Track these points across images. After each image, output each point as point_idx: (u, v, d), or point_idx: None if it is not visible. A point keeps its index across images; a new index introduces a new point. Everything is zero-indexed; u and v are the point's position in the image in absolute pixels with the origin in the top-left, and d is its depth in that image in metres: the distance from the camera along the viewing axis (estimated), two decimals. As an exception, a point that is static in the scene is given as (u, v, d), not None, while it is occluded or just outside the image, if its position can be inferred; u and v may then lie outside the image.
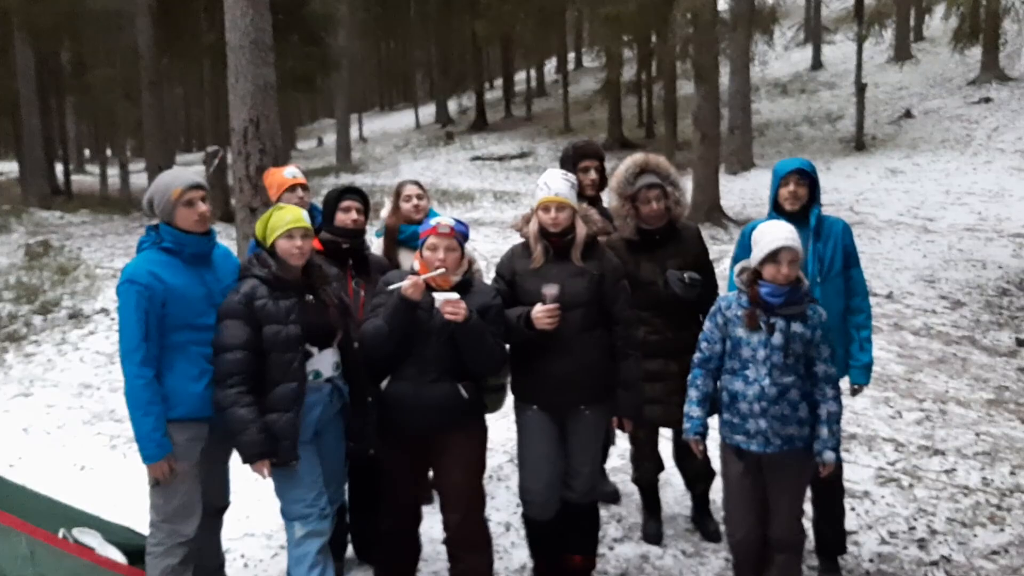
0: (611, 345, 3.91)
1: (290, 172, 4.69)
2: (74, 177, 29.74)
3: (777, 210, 4.14)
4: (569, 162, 4.86)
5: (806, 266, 4.02)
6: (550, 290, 3.73)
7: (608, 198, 4.58)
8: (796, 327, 3.57)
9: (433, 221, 3.74)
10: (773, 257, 3.52)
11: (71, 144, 35.52)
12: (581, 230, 3.87)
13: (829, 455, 3.61)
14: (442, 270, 3.61)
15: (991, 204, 15.50)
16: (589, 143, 5.12)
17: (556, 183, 3.85)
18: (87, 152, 45.76)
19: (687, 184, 4.51)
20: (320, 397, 3.68)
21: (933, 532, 4.81)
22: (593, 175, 4.82)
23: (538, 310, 3.72)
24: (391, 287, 3.67)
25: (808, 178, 4.10)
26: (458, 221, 3.77)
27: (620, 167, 4.44)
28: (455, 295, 3.56)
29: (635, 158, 4.46)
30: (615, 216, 4.43)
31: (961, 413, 6.76)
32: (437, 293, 3.56)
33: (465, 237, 3.79)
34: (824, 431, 3.63)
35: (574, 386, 3.86)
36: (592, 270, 3.86)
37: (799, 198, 4.08)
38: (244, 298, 3.51)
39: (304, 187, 4.63)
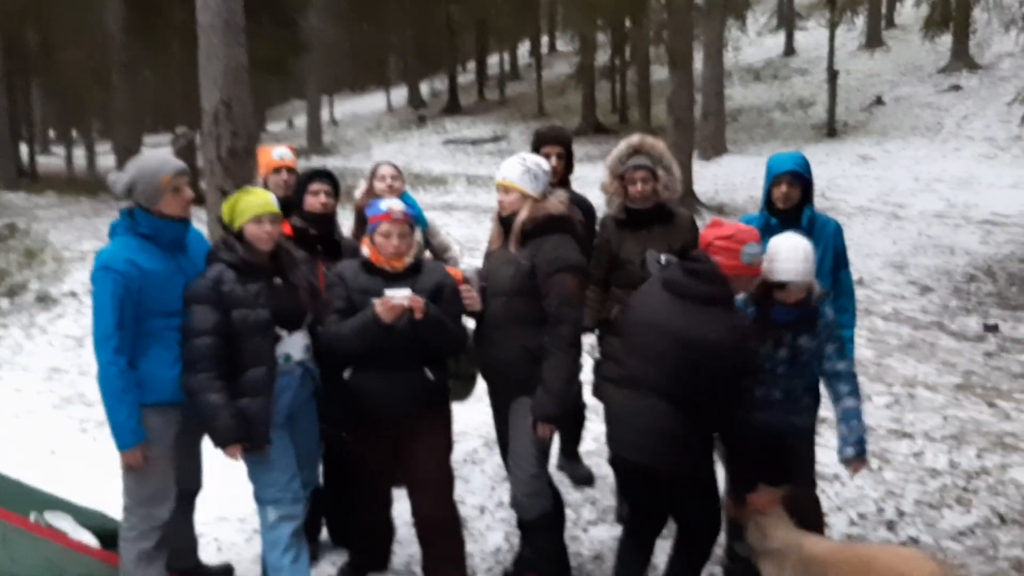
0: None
1: (278, 153, 4.62)
2: (39, 159, 29.23)
3: (769, 208, 4.05)
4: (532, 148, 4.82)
5: None
6: (466, 272, 3.85)
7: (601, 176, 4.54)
8: (803, 341, 3.57)
9: (383, 205, 3.69)
10: (783, 286, 3.46)
11: (36, 125, 34.91)
12: (520, 217, 3.75)
13: (848, 451, 3.62)
14: (409, 306, 3.47)
15: (960, 191, 15.67)
16: (551, 129, 4.97)
17: (507, 167, 3.83)
18: (52, 133, 45.03)
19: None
20: (291, 380, 3.65)
21: (901, 514, 4.88)
22: (554, 161, 4.55)
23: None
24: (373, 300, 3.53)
25: (801, 179, 4.00)
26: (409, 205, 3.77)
27: (616, 146, 4.43)
28: (408, 291, 3.49)
29: (631, 139, 4.41)
30: (605, 193, 4.40)
31: (929, 397, 6.85)
32: (393, 290, 3.48)
33: (416, 220, 3.80)
34: (843, 428, 3.64)
35: (499, 375, 3.86)
36: (521, 260, 3.71)
37: (791, 199, 3.98)
38: (211, 283, 3.47)
39: (290, 169, 4.58)
